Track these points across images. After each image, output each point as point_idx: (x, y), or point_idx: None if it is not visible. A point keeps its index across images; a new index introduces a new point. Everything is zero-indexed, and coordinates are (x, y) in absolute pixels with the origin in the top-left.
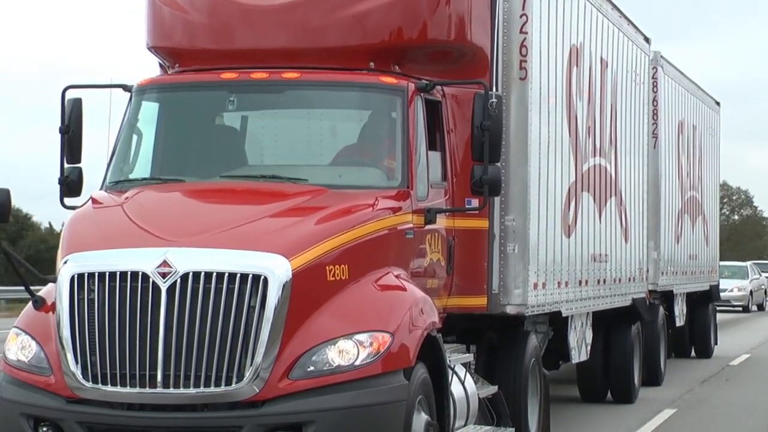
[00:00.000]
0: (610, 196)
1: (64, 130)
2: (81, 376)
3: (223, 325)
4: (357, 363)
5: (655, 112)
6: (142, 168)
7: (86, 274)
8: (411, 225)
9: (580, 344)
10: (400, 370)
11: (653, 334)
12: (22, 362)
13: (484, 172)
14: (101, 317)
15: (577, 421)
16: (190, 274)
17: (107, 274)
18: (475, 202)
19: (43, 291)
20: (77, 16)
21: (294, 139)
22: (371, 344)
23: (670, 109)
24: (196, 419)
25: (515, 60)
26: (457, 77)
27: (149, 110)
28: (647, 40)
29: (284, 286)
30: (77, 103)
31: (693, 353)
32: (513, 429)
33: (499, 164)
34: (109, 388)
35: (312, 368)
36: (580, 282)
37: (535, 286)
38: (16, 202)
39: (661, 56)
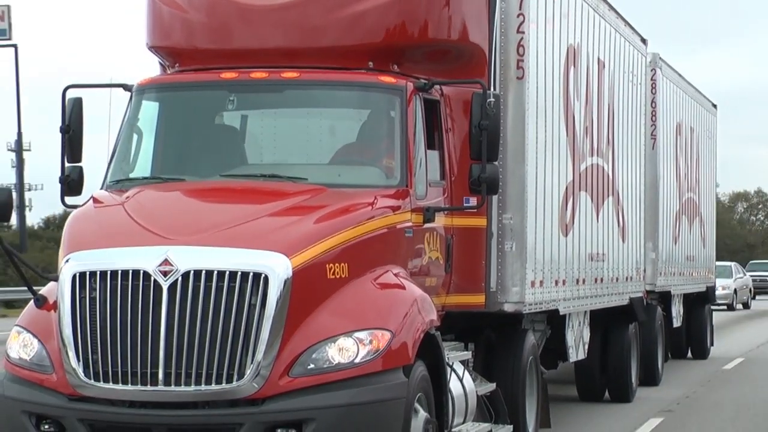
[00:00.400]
0: (608, 196)
1: (64, 130)
2: (83, 374)
3: (224, 324)
4: (357, 360)
5: (653, 113)
6: (143, 167)
7: (88, 273)
8: (410, 223)
9: (577, 343)
10: (399, 368)
11: (651, 335)
12: (24, 360)
13: (482, 171)
14: (103, 315)
15: (575, 420)
16: (191, 272)
17: (109, 272)
18: (473, 201)
19: (45, 289)
20: (77, 16)
21: (293, 138)
22: (371, 342)
23: (669, 110)
24: (197, 416)
25: (512, 59)
26: (455, 77)
27: (149, 110)
28: (644, 41)
29: (284, 284)
30: (78, 103)
31: (689, 354)
32: (511, 426)
33: (496, 163)
34: (110, 385)
35: (312, 366)
36: (578, 281)
37: (533, 284)
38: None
39: (660, 58)
